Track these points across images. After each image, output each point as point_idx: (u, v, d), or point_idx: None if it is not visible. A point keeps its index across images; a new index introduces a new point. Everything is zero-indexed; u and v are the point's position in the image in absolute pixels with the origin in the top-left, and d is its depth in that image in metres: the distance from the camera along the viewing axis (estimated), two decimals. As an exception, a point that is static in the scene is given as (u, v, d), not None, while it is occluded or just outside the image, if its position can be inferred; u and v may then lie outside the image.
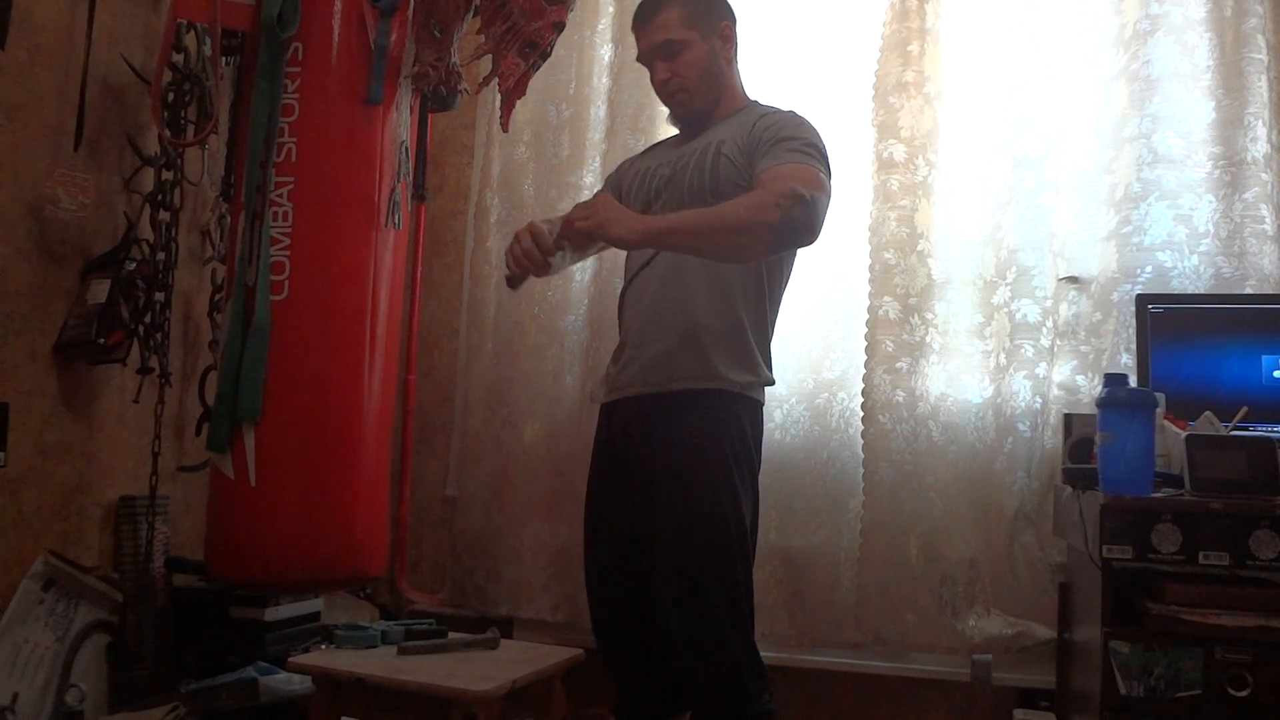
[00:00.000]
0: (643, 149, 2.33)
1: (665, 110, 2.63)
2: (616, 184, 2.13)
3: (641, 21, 2.00)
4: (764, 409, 1.95)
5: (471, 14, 2.19)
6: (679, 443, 1.84)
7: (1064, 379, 2.43)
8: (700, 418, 1.84)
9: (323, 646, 2.19)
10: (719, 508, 1.80)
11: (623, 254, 2.13)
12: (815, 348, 2.57)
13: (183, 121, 2.34)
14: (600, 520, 1.99)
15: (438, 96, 2.27)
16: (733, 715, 1.80)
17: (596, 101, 2.75)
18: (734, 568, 1.81)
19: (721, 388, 1.85)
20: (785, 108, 1.97)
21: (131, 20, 2.34)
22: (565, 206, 2.48)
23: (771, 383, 1.94)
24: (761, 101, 2.05)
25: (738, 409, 1.87)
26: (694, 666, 1.81)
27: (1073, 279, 2.45)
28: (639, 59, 2.05)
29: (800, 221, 1.71)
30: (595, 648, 2.03)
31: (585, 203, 1.87)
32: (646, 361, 1.90)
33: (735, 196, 1.82)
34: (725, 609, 1.80)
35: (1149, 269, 2.35)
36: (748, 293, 1.89)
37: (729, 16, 2.03)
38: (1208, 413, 1.93)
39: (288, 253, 2.07)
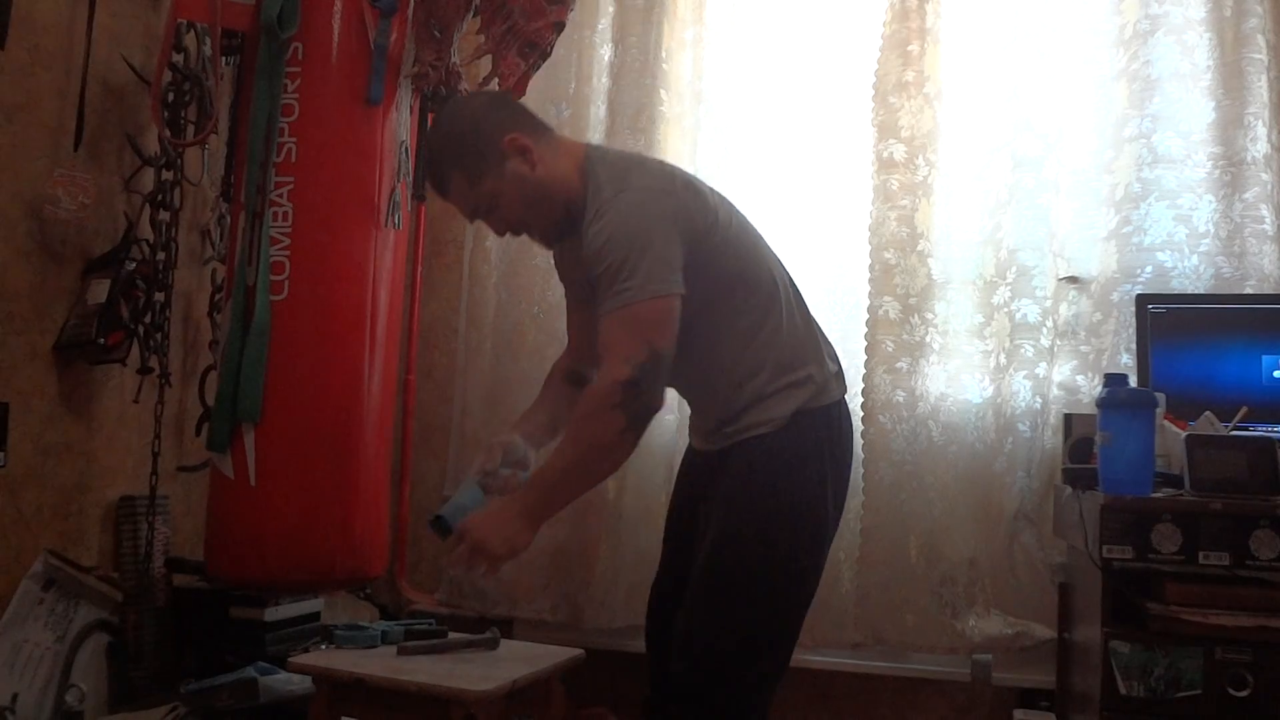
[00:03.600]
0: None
1: (666, 110, 2.67)
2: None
3: (442, 196, 1.80)
4: (838, 407, 1.75)
5: (471, 14, 2.19)
6: (737, 486, 1.69)
7: (1064, 379, 2.43)
8: (751, 464, 1.69)
9: (323, 646, 2.18)
10: (762, 544, 1.65)
11: None
12: (815, 348, 2.56)
13: (183, 121, 2.34)
14: (667, 544, 1.92)
15: (438, 96, 2.27)
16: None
17: (596, 101, 2.75)
18: (757, 606, 1.64)
19: (763, 432, 1.69)
20: (608, 190, 1.64)
21: (131, 20, 2.34)
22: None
23: (828, 378, 1.75)
24: (606, 174, 1.69)
25: (790, 440, 1.69)
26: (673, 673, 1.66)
27: (1073, 279, 2.45)
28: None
29: (643, 406, 1.61)
30: (597, 648, 2.01)
31: (464, 547, 1.63)
32: (695, 423, 1.86)
33: None
34: (727, 638, 1.63)
35: (1149, 269, 2.35)
36: (736, 330, 1.73)
37: (510, 127, 1.70)
38: (1208, 413, 1.94)
39: (288, 253, 2.07)
